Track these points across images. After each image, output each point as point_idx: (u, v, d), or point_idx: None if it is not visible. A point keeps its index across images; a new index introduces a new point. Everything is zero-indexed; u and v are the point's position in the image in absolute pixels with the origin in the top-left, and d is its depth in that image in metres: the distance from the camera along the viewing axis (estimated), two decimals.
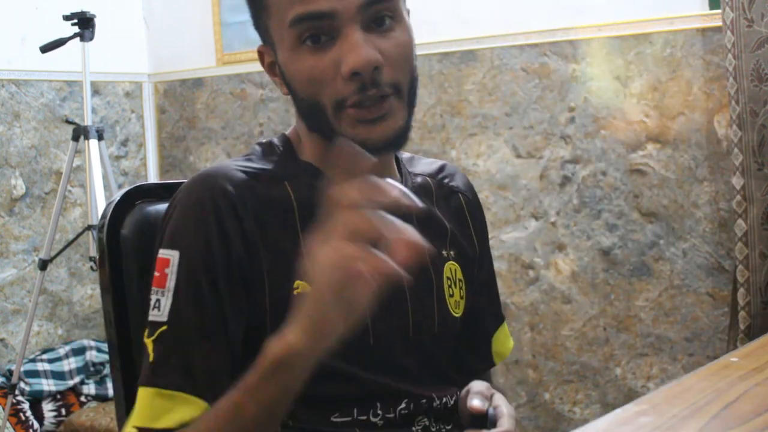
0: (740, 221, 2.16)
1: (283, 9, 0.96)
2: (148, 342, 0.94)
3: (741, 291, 2.17)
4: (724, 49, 2.19)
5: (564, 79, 2.57)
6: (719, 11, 2.19)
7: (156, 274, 0.96)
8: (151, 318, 0.95)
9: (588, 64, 2.53)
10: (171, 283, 0.95)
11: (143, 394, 0.93)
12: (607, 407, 2.53)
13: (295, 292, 0.97)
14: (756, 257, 2.14)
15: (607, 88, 2.50)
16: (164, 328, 0.94)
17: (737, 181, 2.15)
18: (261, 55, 1.06)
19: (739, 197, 2.16)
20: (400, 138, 0.98)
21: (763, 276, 2.14)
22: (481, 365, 1.22)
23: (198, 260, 0.95)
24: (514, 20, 2.65)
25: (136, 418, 0.93)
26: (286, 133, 1.09)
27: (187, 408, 0.92)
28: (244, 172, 1.01)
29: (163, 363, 0.93)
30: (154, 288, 0.96)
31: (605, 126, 2.52)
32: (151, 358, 0.94)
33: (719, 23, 2.21)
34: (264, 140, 1.09)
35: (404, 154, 1.17)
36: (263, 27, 1.02)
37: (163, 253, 0.97)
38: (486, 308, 1.22)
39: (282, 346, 0.83)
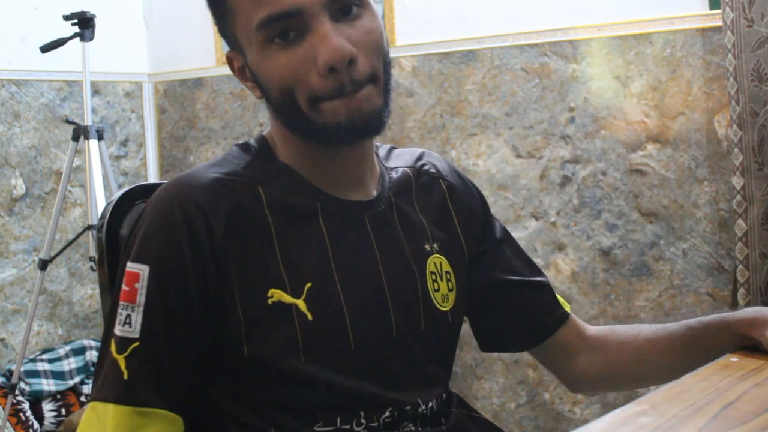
0: (740, 221, 2.16)
1: (248, 12, 0.95)
2: (120, 358, 0.93)
3: (741, 291, 2.17)
4: (724, 49, 2.19)
5: (564, 79, 2.57)
6: (719, 11, 2.19)
7: (125, 288, 0.95)
8: (120, 333, 0.94)
9: (588, 64, 2.53)
10: (141, 298, 0.94)
11: (116, 412, 0.92)
12: (607, 407, 2.53)
13: (269, 301, 0.96)
14: (756, 257, 2.14)
15: (607, 88, 2.50)
16: (136, 344, 0.93)
17: (737, 181, 2.15)
18: (230, 60, 1.05)
19: (739, 197, 2.16)
20: (379, 120, 0.97)
21: (763, 276, 2.14)
22: (556, 321, 1.19)
23: (169, 275, 0.94)
24: (514, 20, 2.65)
25: None
26: (265, 133, 1.08)
27: (162, 423, 0.93)
28: (216, 179, 0.99)
29: (137, 380, 0.92)
30: (122, 302, 0.94)
31: (605, 126, 2.52)
32: (125, 376, 0.92)
33: (719, 23, 2.21)
34: (241, 141, 1.08)
35: (382, 148, 1.16)
36: (229, 32, 1.01)
37: (132, 266, 0.95)
38: (528, 272, 1.19)
39: None
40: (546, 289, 1.21)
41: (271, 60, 0.95)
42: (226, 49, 1.07)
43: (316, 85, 0.94)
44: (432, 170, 1.16)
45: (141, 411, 0.92)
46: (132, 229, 0.99)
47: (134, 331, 0.93)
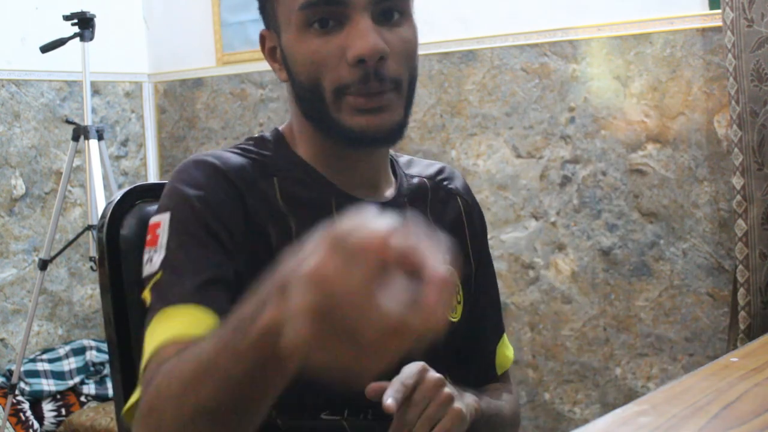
0: (740, 221, 2.16)
1: None
2: (146, 294, 0.93)
3: (741, 291, 2.17)
4: (724, 49, 2.19)
5: (564, 79, 2.57)
6: (719, 11, 2.19)
7: (148, 237, 0.96)
8: (144, 274, 0.94)
9: (588, 64, 2.53)
10: (163, 239, 0.94)
11: (151, 328, 0.89)
12: (607, 407, 2.53)
13: None
14: (756, 257, 2.14)
15: (607, 88, 2.50)
16: (158, 275, 0.92)
17: (737, 181, 2.15)
18: (263, 39, 1.06)
19: (739, 197, 2.16)
20: (397, 132, 0.98)
21: (763, 276, 2.14)
22: (484, 378, 1.20)
23: (188, 213, 0.95)
24: (514, 20, 2.65)
25: (160, 336, 0.87)
26: (280, 128, 1.08)
27: (195, 312, 0.89)
28: (237, 157, 1.01)
29: (158, 298, 0.91)
30: (146, 248, 0.96)
31: (605, 126, 2.52)
32: (148, 303, 0.92)
33: (719, 23, 2.21)
34: (255, 135, 1.08)
35: (402, 158, 1.16)
36: (269, 10, 1.02)
37: (154, 219, 0.97)
38: (488, 322, 1.20)
39: (272, 320, 0.64)
40: (491, 345, 1.19)
41: (306, 43, 0.96)
42: (253, 45, 1.07)
43: (344, 75, 0.95)
44: (451, 186, 1.16)
45: (165, 311, 0.89)
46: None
47: (155, 266, 0.93)
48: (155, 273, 0.93)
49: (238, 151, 1.03)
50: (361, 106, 0.95)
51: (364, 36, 0.93)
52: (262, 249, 0.96)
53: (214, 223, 0.95)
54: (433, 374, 0.91)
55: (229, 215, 0.96)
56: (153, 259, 0.94)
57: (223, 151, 1.02)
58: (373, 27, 0.94)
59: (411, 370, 0.91)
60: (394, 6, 0.97)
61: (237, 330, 0.68)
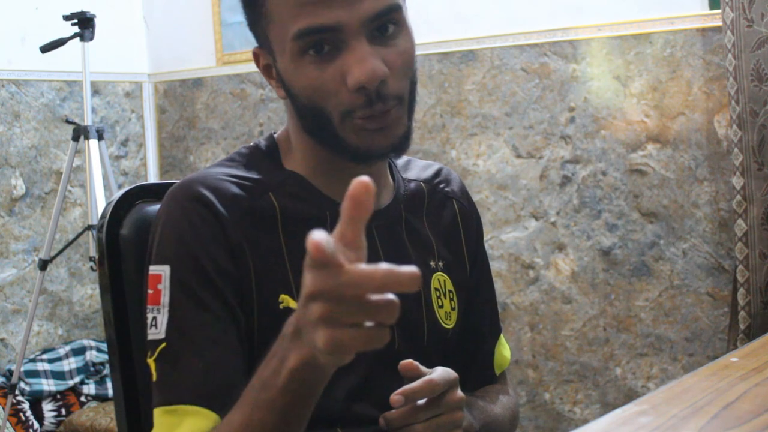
0: (740, 221, 2.16)
1: (286, 20, 0.94)
2: (150, 362, 0.93)
3: (741, 291, 2.17)
4: (724, 49, 2.19)
5: (564, 79, 2.57)
6: (719, 11, 2.19)
7: (149, 291, 0.95)
8: (150, 337, 0.94)
9: (588, 64, 2.53)
10: (165, 298, 0.94)
11: (155, 415, 0.93)
12: (607, 407, 2.53)
13: (281, 306, 0.96)
14: (756, 257, 2.14)
15: (607, 88, 2.50)
16: (163, 345, 0.93)
17: (737, 181, 2.15)
18: (256, 56, 1.05)
19: (739, 197, 2.16)
20: (403, 144, 0.98)
21: (763, 276, 2.14)
22: (483, 379, 1.20)
23: (189, 272, 0.94)
24: (514, 20, 2.65)
25: None
26: (275, 135, 1.07)
27: (195, 419, 0.91)
28: (229, 181, 0.99)
29: (165, 380, 0.92)
30: (149, 306, 0.95)
31: (605, 126, 2.52)
32: (154, 378, 0.93)
33: (719, 23, 2.21)
34: (250, 144, 1.07)
35: (400, 159, 1.15)
36: (261, 32, 1.00)
37: (153, 269, 0.95)
38: (485, 323, 1.20)
39: (300, 360, 0.79)
40: (489, 346, 1.20)
41: (303, 72, 0.95)
42: (254, 44, 1.06)
43: (346, 100, 0.94)
44: (447, 189, 1.16)
45: (170, 409, 0.92)
46: (150, 233, 0.99)
47: (160, 332, 0.93)
48: (161, 341, 0.93)
49: (232, 172, 1.01)
50: (367, 126, 0.95)
51: (362, 62, 0.92)
52: (258, 278, 0.97)
53: (215, 274, 0.94)
54: (460, 393, 0.95)
55: (226, 261, 0.95)
56: (158, 322, 0.94)
57: (217, 174, 1.00)
58: (371, 51, 0.93)
59: (445, 376, 0.94)
60: (388, 20, 0.95)
61: (264, 386, 0.81)
